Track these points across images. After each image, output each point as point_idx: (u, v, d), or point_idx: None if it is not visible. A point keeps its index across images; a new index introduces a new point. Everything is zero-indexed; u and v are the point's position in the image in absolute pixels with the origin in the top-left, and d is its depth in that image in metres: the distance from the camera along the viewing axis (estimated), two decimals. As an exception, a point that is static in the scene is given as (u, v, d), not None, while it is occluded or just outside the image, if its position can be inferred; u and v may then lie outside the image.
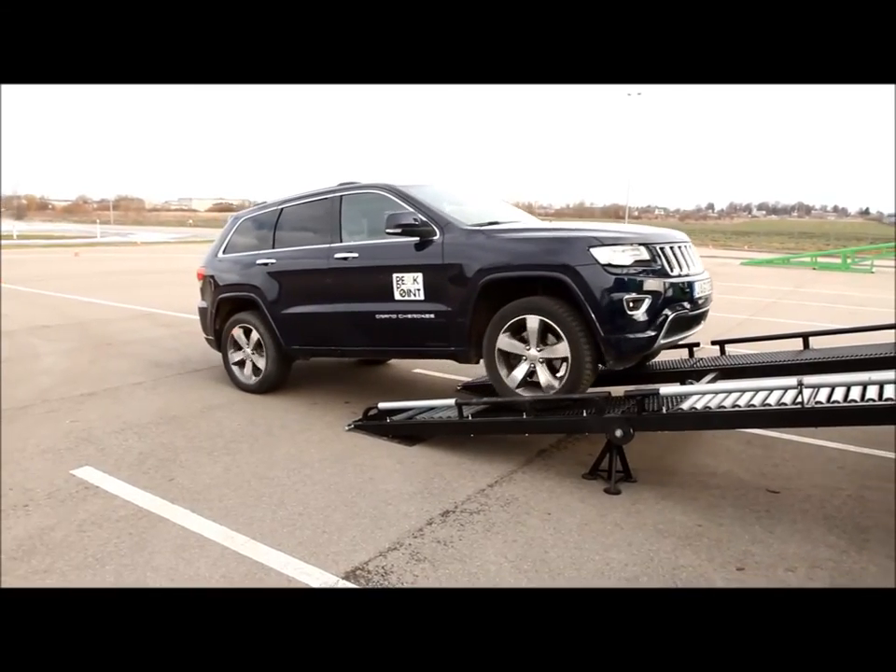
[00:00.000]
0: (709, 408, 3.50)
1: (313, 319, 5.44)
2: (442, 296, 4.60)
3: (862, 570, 2.97)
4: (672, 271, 4.22)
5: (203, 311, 6.48)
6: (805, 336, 5.08)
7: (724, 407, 3.46)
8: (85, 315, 10.15)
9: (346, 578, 2.86)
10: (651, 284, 4.05)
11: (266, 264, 5.75)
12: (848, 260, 25.24)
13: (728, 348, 5.47)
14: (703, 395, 3.71)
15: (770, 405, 3.35)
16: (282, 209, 5.88)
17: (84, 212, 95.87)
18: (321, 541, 3.19)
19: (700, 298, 4.47)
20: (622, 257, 4.02)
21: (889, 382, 3.23)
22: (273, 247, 5.82)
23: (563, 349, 4.09)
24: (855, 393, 3.26)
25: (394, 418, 4.73)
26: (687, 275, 4.38)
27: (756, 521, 3.46)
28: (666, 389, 3.63)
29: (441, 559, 3.03)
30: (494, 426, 4.32)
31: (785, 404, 3.33)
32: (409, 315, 4.76)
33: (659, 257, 4.16)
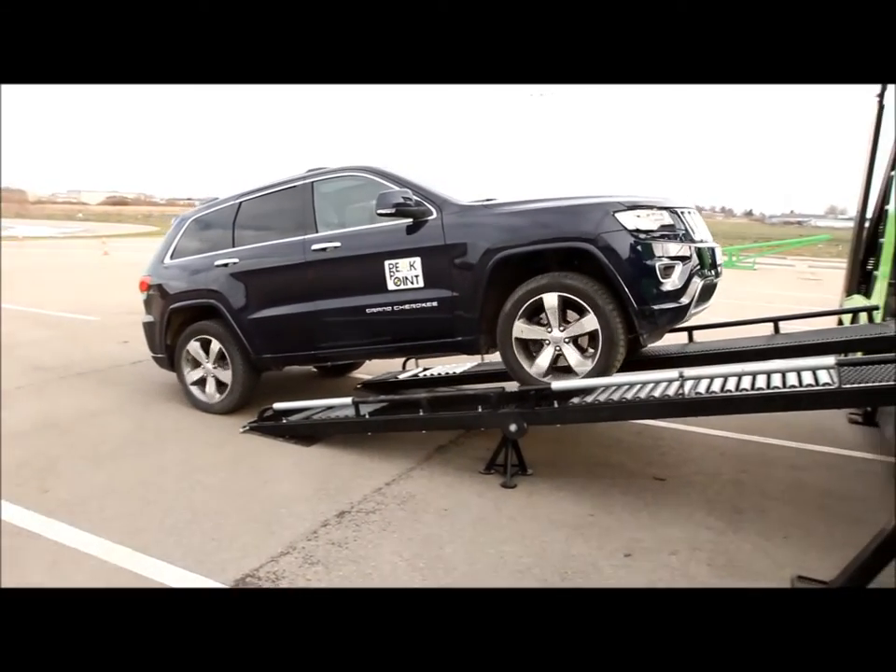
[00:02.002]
0: (598, 401, 3.61)
1: (288, 322, 4.89)
2: (446, 281, 4.18)
3: (738, 549, 3.14)
4: (695, 236, 4.05)
5: (149, 326, 5.72)
6: (690, 330, 5.34)
7: (612, 400, 3.59)
8: (-44, 316, 9.38)
9: (235, 586, 2.77)
10: (680, 249, 3.84)
11: (227, 265, 5.15)
12: (734, 258, 26.75)
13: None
14: (593, 388, 3.82)
15: (655, 397, 3.50)
16: (240, 203, 5.29)
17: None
18: (209, 549, 3.07)
19: (719, 265, 4.35)
20: (647, 221, 3.78)
21: (761, 373, 3.44)
22: (234, 246, 5.22)
23: (589, 323, 3.80)
24: (731, 384, 3.45)
25: (290, 418, 4.63)
26: (705, 241, 4.22)
27: (644, 507, 3.60)
28: (558, 384, 3.71)
29: (334, 561, 2.98)
30: (391, 423, 4.30)
31: (668, 395, 3.48)
32: (406, 306, 4.31)
33: (681, 221, 3.99)
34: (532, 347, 4.06)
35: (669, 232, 3.86)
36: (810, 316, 5.29)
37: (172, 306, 5.48)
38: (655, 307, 3.74)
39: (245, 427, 4.76)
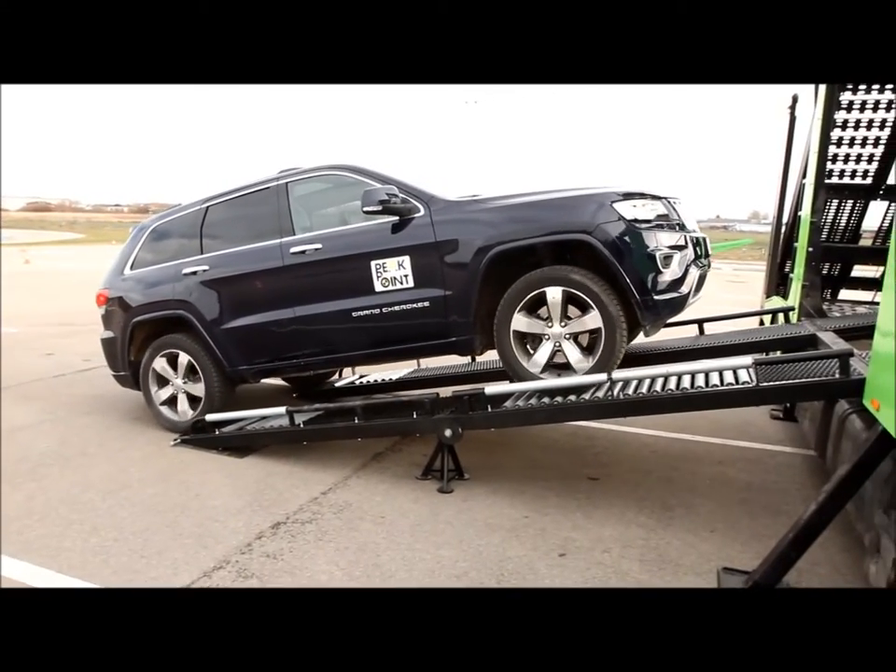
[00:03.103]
0: (531, 405, 3.67)
1: (266, 330, 4.60)
2: (437, 280, 4.02)
3: (667, 545, 3.24)
4: (687, 225, 4.04)
5: (108, 342, 5.37)
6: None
7: (545, 403, 3.65)
8: None
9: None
10: (678, 238, 3.83)
11: (195, 273, 4.86)
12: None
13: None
14: (526, 392, 3.87)
15: (585, 399, 3.57)
16: (207, 208, 5.02)
17: None
18: (138, 567, 2.98)
19: (710, 254, 4.35)
20: (643, 211, 3.73)
21: (685, 373, 3.56)
22: (203, 253, 4.94)
23: (592, 321, 3.74)
24: (658, 384, 3.55)
25: (223, 430, 4.54)
26: (696, 230, 4.20)
27: (577, 508, 3.68)
28: (491, 388, 3.76)
29: (269, 574, 2.93)
30: (326, 432, 4.26)
31: (599, 397, 3.56)
32: (396, 308, 4.12)
33: (673, 210, 3.96)
34: (529, 343, 4.01)
35: (664, 222, 3.85)
36: (732, 318, 5.52)
37: (135, 319, 5.16)
38: (657, 297, 3.69)
39: (175, 440, 4.64)
